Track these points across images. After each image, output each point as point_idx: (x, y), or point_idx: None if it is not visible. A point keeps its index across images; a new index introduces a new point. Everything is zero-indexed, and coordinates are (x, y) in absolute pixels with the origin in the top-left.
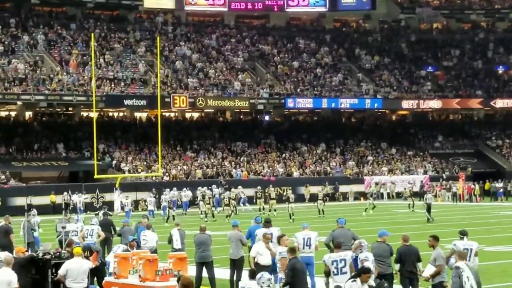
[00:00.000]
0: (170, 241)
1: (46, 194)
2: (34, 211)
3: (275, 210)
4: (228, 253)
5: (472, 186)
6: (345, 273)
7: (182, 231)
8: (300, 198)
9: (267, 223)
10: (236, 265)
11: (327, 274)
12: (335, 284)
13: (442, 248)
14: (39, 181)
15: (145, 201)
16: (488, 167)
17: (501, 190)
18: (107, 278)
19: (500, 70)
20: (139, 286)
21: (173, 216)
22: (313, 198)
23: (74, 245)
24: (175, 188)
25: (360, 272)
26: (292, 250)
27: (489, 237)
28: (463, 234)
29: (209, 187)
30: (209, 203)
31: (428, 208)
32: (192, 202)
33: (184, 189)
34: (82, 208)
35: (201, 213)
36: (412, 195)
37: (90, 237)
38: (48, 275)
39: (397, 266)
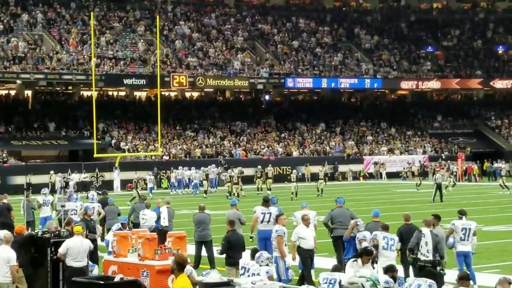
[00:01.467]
0: (158, 218)
1: (45, 173)
2: (46, 190)
3: (269, 189)
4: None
5: (472, 166)
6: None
7: (171, 209)
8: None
9: (266, 202)
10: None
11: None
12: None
13: (441, 227)
14: (38, 160)
15: (144, 180)
16: (487, 147)
17: (500, 170)
18: (106, 257)
19: (500, 50)
20: (138, 265)
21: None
22: (314, 177)
23: (73, 223)
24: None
25: (362, 253)
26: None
27: (488, 216)
28: (461, 213)
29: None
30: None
31: (439, 187)
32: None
33: (210, 166)
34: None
35: (204, 193)
36: (419, 175)
37: None
38: (48, 253)
39: (398, 245)
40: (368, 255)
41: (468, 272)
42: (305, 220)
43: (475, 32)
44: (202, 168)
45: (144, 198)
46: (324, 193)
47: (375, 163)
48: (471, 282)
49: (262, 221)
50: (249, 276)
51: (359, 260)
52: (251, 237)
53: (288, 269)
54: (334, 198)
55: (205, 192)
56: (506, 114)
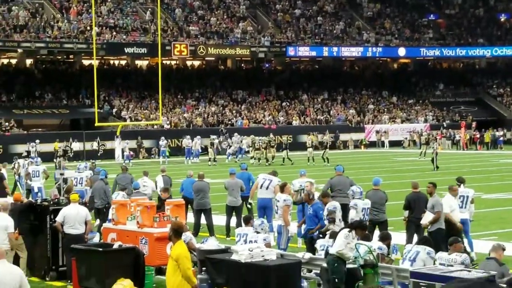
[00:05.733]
0: (156, 187)
1: (47, 141)
2: (38, 160)
3: (273, 158)
4: (226, 201)
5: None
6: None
7: (167, 177)
8: (301, 146)
9: (275, 172)
10: (236, 212)
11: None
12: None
13: (440, 195)
14: (40, 129)
15: (146, 148)
16: (489, 116)
17: (501, 138)
18: (105, 224)
19: (502, 18)
20: (137, 232)
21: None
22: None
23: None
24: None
25: (357, 227)
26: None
27: (487, 184)
28: (460, 181)
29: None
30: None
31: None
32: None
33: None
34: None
35: (209, 160)
36: (426, 143)
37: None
38: (47, 221)
39: (405, 213)
40: (362, 229)
41: (457, 236)
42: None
43: (477, 0)
44: (213, 136)
45: (125, 168)
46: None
47: (377, 132)
48: (469, 248)
49: (261, 186)
50: (246, 243)
51: (353, 232)
52: (249, 203)
53: (289, 239)
54: (334, 166)
55: (214, 159)
56: (508, 82)
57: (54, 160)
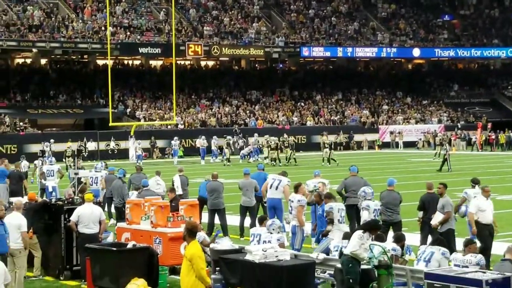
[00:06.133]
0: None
1: (61, 141)
2: (52, 159)
3: (287, 159)
4: (240, 201)
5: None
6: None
7: (184, 177)
8: (315, 147)
9: (285, 173)
10: (250, 212)
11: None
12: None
13: (454, 196)
14: (54, 128)
15: (160, 148)
16: (504, 117)
17: None
18: (119, 224)
19: None
20: (151, 232)
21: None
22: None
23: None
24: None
25: (371, 227)
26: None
27: (502, 186)
28: (474, 182)
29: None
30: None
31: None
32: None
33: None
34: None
35: (225, 160)
36: (440, 144)
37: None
38: (61, 220)
39: (420, 214)
40: (376, 228)
41: (471, 237)
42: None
43: (492, 1)
44: (228, 137)
45: (140, 168)
46: (340, 162)
47: (391, 133)
48: None
49: (270, 187)
50: (259, 243)
51: (367, 233)
52: (264, 202)
53: (303, 239)
54: (348, 167)
55: (228, 160)
56: None
57: (63, 159)
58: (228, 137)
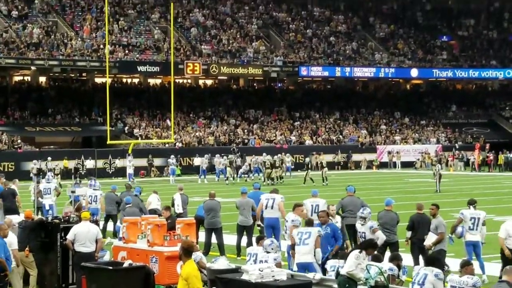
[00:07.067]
0: (172, 205)
1: (59, 159)
2: (49, 177)
3: (281, 178)
4: (237, 220)
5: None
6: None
7: (185, 195)
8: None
9: (277, 190)
10: (247, 231)
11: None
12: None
13: (450, 217)
14: (52, 146)
15: (157, 167)
16: (501, 138)
17: None
18: (116, 243)
19: None
20: (147, 251)
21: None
22: (330, 166)
23: (83, 209)
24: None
25: (368, 246)
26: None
27: (499, 206)
28: (470, 203)
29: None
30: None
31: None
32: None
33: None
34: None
35: (227, 179)
36: (439, 163)
37: (94, 203)
38: (57, 238)
39: (408, 234)
40: (373, 248)
41: (468, 259)
42: None
43: (490, 22)
44: (230, 156)
45: (129, 186)
46: (337, 181)
47: (389, 152)
48: (480, 271)
49: (266, 207)
50: (256, 263)
51: (363, 253)
52: (258, 225)
53: None
54: (345, 186)
55: (233, 178)
56: None
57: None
58: (230, 156)
